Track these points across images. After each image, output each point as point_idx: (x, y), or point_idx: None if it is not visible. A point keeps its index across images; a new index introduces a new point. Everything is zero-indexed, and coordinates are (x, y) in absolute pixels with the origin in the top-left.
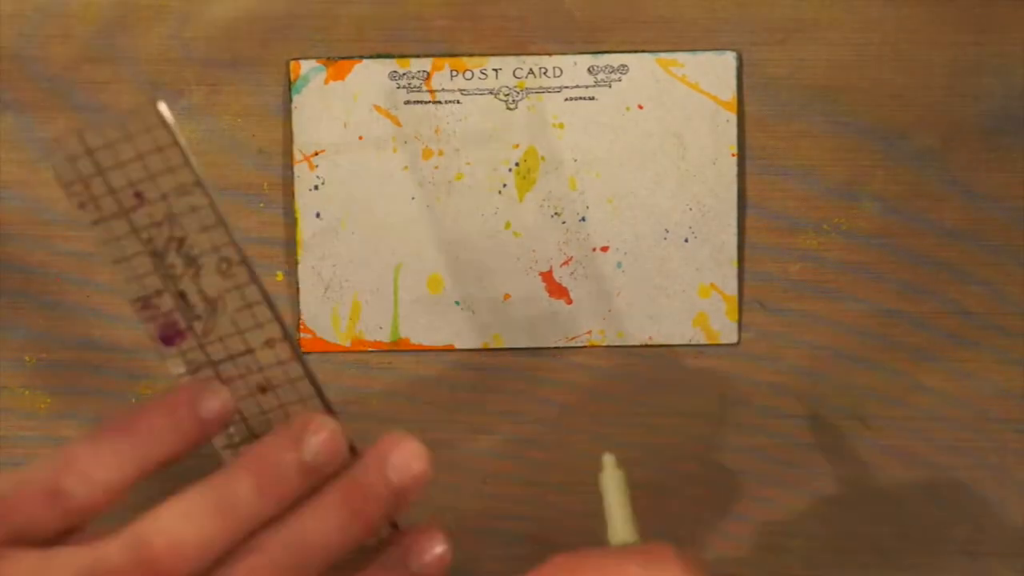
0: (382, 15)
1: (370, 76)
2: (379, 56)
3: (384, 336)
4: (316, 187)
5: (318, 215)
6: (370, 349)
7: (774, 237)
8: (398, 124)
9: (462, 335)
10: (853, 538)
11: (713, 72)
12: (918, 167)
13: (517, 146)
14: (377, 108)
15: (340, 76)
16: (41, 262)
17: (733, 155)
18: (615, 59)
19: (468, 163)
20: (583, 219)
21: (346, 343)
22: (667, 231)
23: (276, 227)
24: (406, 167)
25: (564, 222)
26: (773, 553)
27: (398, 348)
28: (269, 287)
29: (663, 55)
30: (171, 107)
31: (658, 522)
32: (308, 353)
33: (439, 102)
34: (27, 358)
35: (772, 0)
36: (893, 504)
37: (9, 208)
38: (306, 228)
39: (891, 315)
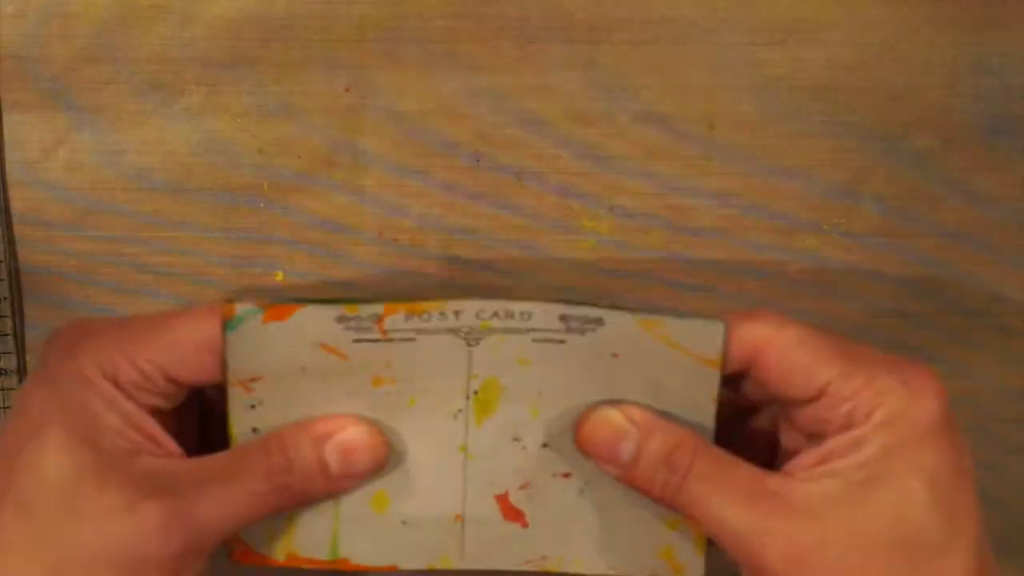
0: (382, 15)
1: (314, 319)
2: (324, 302)
3: (322, 553)
4: (253, 406)
5: (255, 430)
6: (305, 567)
7: (774, 237)
8: (345, 358)
9: (407, 555)
10: None
11: (697, 337)
12: (918, 167)
13: (476, 376)
14: (323, 346)
15: (280, 317)
16: (41, 262)
17: (713, 401)
18: (590, 312)
19: (423, 391)
20: (545, 445)
21: (280, 557)
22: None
23: (276, 227)
24: (354, 393)
25: (524, 447)
26: None
27: (336, 567)
28: (269, 286)
29: (644, 315)
30: (171, 107)
31: None
32: (238, 564)
33: (391, 340)
34: (28, 357)
35: (772, 0)
36: None
37: (10, 208)
38: (241, 439)
39: (891, 315)
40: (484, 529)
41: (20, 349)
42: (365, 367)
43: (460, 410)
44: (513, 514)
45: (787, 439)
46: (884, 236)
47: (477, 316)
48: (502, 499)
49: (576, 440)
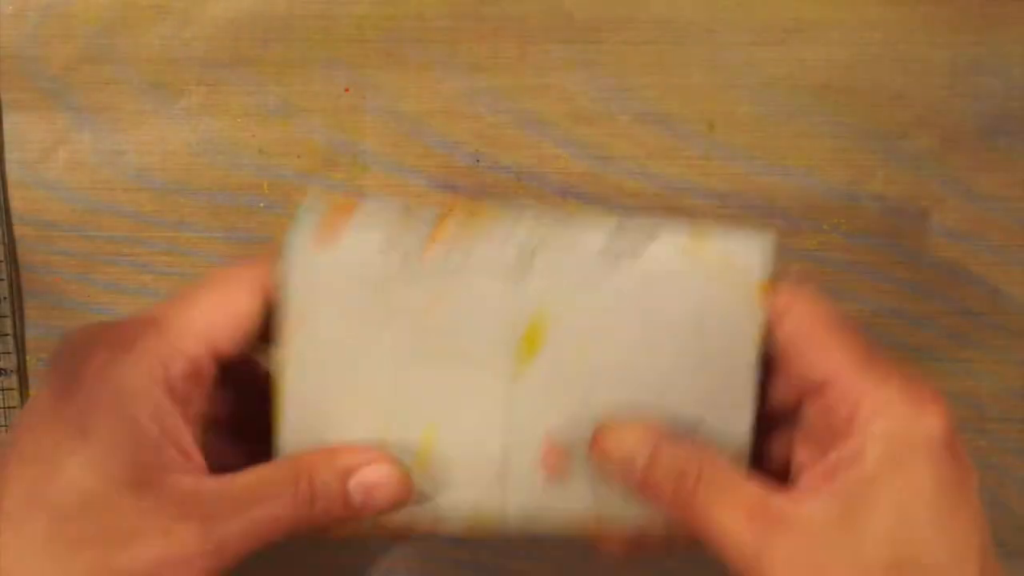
0: (382, 15)
1: (360, 247)
2: (369, 228)
3: None
4: (300, 369)
5: (298, 398)
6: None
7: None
8: (391, 291)
9: (450, 507)
10: None
11: (744, 255)
12: (918, 167)
13: (522, 313)
14: (369, 278)
15: (332, 238)
16: (42, 262)
17: (755, 341)
18: (639, 227)
19: (469, 328)
20: (589, 389)
21: None
22: (676, 421)
23: (276, 227)
24: (400, 332)
25: (569, 392)
26: None
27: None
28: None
29: (692, 229)
30: (171, 107)
31: None
32: None
33: (437, 271)
34: (28, 357)
35: (772, 0)
36: None
37: (10, 208)
38: (288, 405)
39: (891, 315)
40: (528, 482)
41: (20, 349)
42: (411, 301)
43: (507, 350)
44: (557, 464)
45: (799, 453)
46: (884, 236)
47: (522, 242)
48: (547, 448)
49: (591, 451)
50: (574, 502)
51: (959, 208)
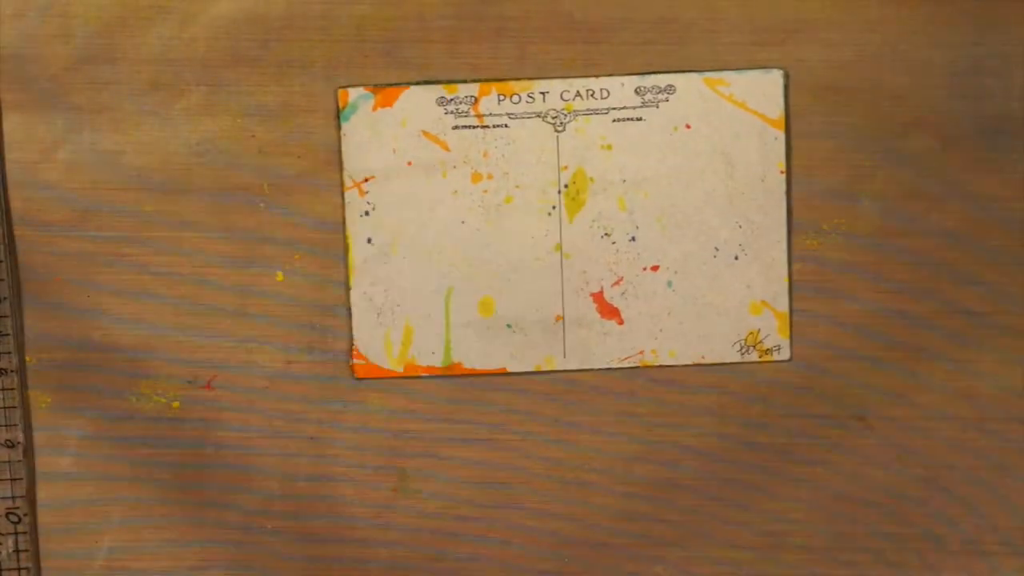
0: (382, 15)
1: (418, 102)
2: (426, 82)
3: (436, 361)
4: (367, 212)
5: (369, 240)
6: (423, 374)
7: None
8: (447, 149)
9: (515, 358)
10: (854, 537)
11: (760, 90)
12: (918, 167)
13: (566, 168)
14: (425, 134)
15: (388, 103)
16: (41, 262)
17: (781, 172)
18: (662, 79)
19: (517, 186)
20: (633, 239)
21: (399, 369)
22: (717, 249)
23: (276, 227)
24: (456, 191)
25: (614, 242)
26: (773, 551)
27: (451, 373)
28: (269, 287)
29: (710, 74)
30: (171, 107)
31: (659, 519)
32: (362, 379)
33: (487, 126)
34: (28, 358)
35: (772, 0)
36: (894, 503)
37: (10, 208)
38: (357, 253)
39: (891, 315)
40: (583, 328)
41: (20, 349)
42: (465, 159)
43: (554, 207)
44: (609, 311)
45: None
46: (884, 236)
47: (561, 97)
48: (598, 297)
49: None
50: (630, 343)
51: (959, 208)
